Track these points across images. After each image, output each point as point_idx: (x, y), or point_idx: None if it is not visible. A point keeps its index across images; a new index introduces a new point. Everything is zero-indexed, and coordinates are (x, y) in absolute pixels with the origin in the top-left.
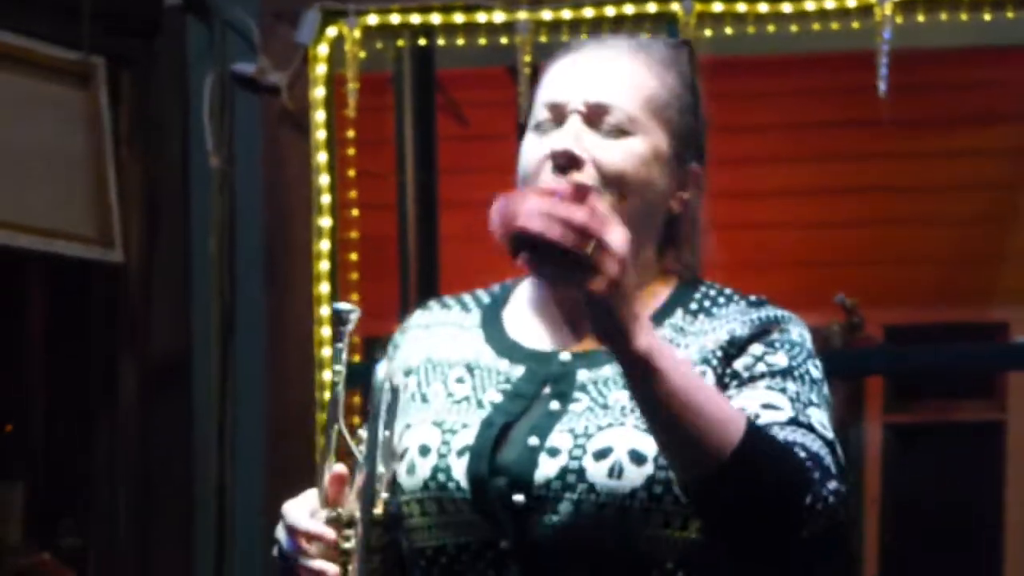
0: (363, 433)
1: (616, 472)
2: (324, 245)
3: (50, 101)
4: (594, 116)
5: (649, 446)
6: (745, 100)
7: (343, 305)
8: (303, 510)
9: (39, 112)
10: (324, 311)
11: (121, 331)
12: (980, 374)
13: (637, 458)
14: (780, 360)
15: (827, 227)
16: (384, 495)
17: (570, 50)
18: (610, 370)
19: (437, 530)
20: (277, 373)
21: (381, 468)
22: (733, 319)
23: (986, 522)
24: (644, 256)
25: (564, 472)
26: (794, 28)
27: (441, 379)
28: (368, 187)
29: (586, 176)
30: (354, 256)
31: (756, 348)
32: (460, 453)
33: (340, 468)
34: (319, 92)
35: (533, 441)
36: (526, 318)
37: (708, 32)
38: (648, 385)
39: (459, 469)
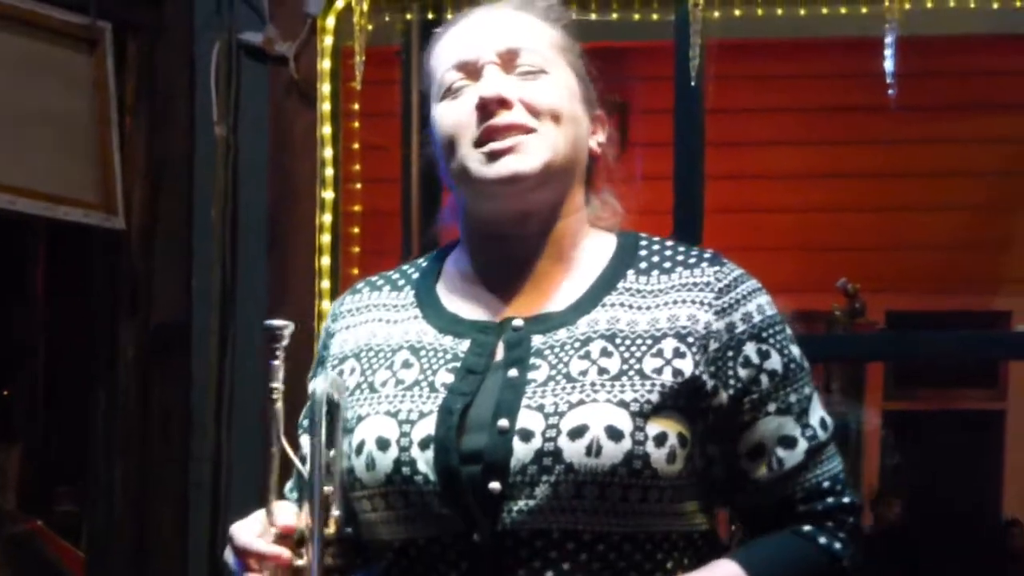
0: (304, 444)
1: (594, 450)
2: (327, 218)
3: (56, 65)
4: (507, 63)
5: (625, 421)
6: (752, 83)
7: (275, 322)
8: (252, 531)
9: (45, 76)
10: (325, 284)
11: (122, 298)
12: (981, 363)
13: (614, 434)
14: (775, 363)
15: (831, 211)
16: (335, 513)
17: (455, 22)
18: (565, 334)
19: (404, 524)
20: None
21: (328, 488)
22: (695, 288)
23: (985, 510)
24: (575, 200)
25: (540, 455)
26: (803, 12)
27: (386, 365)
28: (372, 160)
29: (516, 115)
30: (356, 230)
31: (750, 350)
32: (423, 445)
33: (289, 513)
34: (326, 64)
35: (503, 423)
36: (462, 289)
37: (717, 14)
38: None
39: (424, 461)
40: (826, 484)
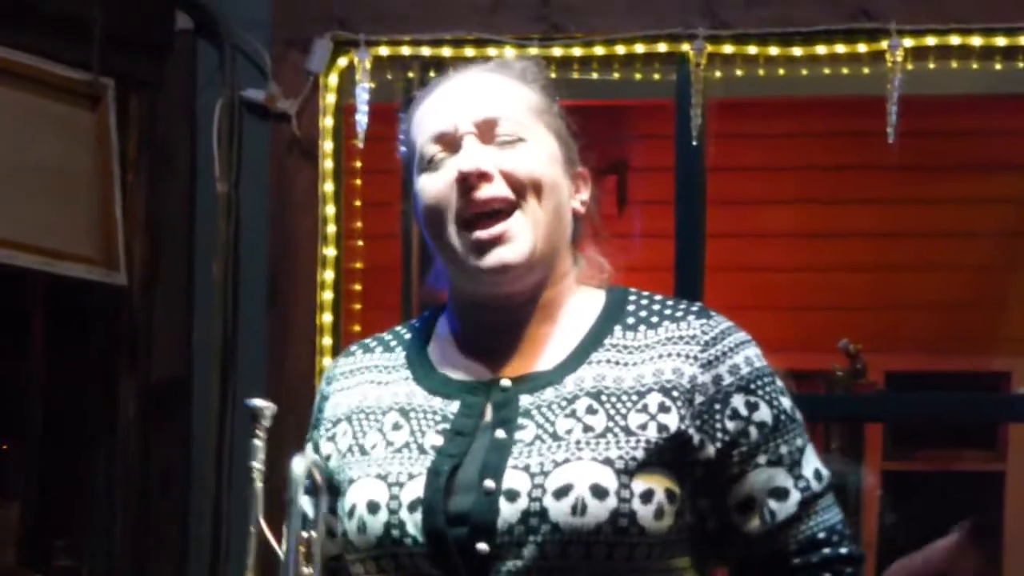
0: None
1: (579, 509)
2: (328, 275)
3: (58, 121)
4: (485, 132)
5: (610, 479)
6: (754, 142)
7: (257, 402)
8: None
9: (47, 131)
10: (326, 341)
11: (122, 353)
12: (981, 424)
13: (599, 493)
14: (764, 415)
15: (832, 271)
16: None
17: (432, 89)
18: (552, 394)
19: None
20: (276, 402)
21: (307, 570)
22: (681, 341)
23: (983, 573)
24: (563, 266)
25: (526, 515)
26: (804, 72)
27: (376, 427)
28: (374, 217)
29: (496, 188)
30: (358, 286)
31: (738, 402)
32: (412, 507)
33: None
34: (328, 121)
35: (489, 484)
36: (451, 351)
37: (718, 74)
38: None
39: (413, 524)
40: (822, 535)
